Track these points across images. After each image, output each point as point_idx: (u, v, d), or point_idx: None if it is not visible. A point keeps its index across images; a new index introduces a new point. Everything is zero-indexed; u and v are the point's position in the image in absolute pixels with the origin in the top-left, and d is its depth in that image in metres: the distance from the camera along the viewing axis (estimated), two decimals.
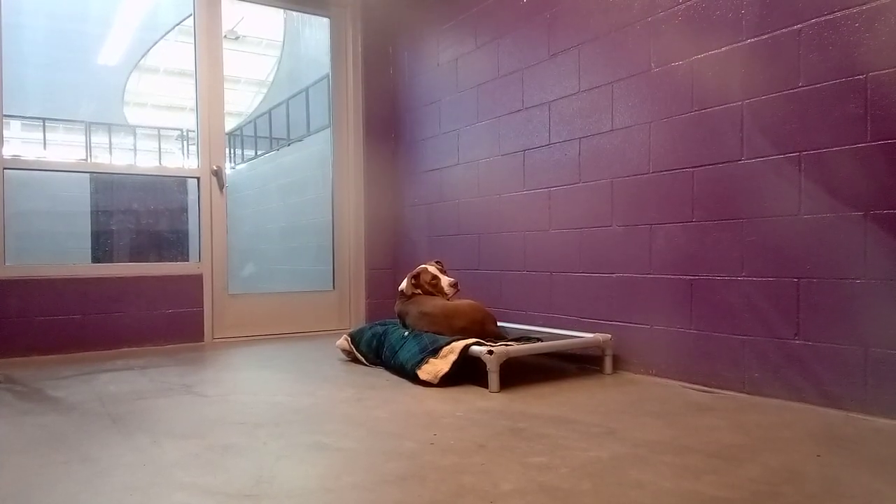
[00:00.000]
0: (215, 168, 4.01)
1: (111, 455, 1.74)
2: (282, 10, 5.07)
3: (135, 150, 5.36)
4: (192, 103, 4.03)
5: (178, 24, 4.64)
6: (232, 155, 5.69)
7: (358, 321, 4.39)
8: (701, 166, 2.53)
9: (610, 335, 2.84)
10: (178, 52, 4.48)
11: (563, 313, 3.17)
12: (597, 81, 2.96)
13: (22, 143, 4.59)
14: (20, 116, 4.33)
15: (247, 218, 5.46)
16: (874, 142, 2.02)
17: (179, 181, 4.20)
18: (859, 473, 1.54)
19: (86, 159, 4.74)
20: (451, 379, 2.56)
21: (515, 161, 3.44)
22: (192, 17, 4.00)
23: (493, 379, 2.48)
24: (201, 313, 3.91)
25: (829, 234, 2.13)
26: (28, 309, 3.44)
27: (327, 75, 4.58)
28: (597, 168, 2.97)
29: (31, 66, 4.30)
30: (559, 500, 1.39)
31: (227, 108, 4.13)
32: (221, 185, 4.03)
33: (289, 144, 5.65)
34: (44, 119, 4.78)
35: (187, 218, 4.17)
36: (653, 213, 2.72)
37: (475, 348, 2.56)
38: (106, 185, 4.13)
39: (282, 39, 6.15)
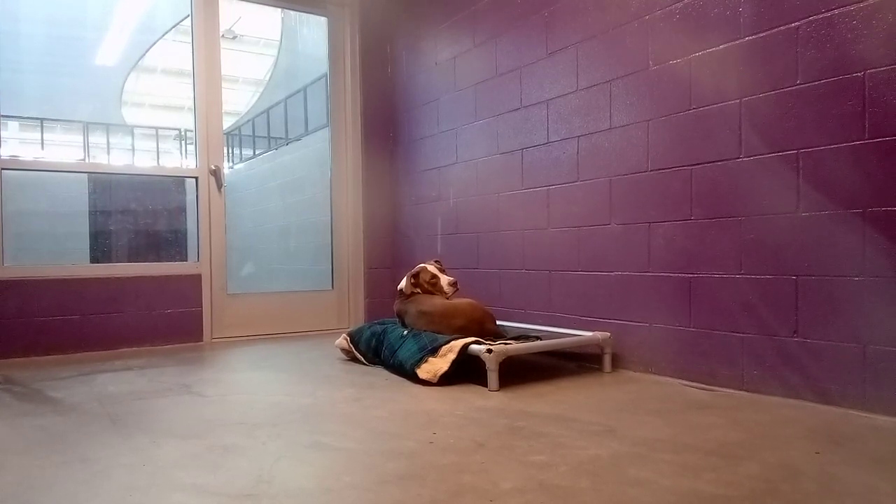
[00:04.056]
0: (213, 168, 4.01)
1: (110, 455, 1.74)
2: (279, 10, 5.07)
3: (133, 150, 5.35)
4: (190, 103, 4.03)
5: (175, 26, 4.63)
6: (230, 154, 5.68)
7: (357, 320, 4.39)
8: (699, 164, 2.53)
9: (609, 333, 2.85)
10: (176, 51, 4.47)
11: (562, 312, 3.18)
12: (595, 80, 2.96)
13: (20, 144, 4.58)
14: (18, 117, 4.32)
15: (245, 217, 5.44)
16: (872, 139, 2.02)
17: (178, 181, 4.19)
18: (857, 471, 1.55)
19: (84, 159, 4.73)
20: (450, 378, 2.56)
21: (514, 160, 3.44)
22: (189, 17, 4.00)
23: (493, 378, 2.48)
24: (200, 313, 3.91)
25: (827, 231, 2.14)
26: (26, 309, 3.43)
27: (325, 74, 4.58)
28: (595, 166, 2.97)
29: (30, 73, 4.29)
30: (559, 498, 1.39)
31: (224, 107, 4.12)
32: (220, 185, 4.03)
33: (287, 144, 5.64)
34: (41, 119, 4.77)
35: (186, 218, 4.16)
36: (651, 211, 2.73)
37: (474, 347, 2.56)
38: (104, 186, 4.11)
39: (279, 39, 6.14)
